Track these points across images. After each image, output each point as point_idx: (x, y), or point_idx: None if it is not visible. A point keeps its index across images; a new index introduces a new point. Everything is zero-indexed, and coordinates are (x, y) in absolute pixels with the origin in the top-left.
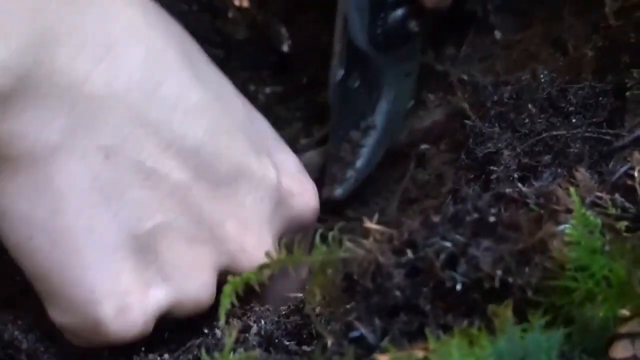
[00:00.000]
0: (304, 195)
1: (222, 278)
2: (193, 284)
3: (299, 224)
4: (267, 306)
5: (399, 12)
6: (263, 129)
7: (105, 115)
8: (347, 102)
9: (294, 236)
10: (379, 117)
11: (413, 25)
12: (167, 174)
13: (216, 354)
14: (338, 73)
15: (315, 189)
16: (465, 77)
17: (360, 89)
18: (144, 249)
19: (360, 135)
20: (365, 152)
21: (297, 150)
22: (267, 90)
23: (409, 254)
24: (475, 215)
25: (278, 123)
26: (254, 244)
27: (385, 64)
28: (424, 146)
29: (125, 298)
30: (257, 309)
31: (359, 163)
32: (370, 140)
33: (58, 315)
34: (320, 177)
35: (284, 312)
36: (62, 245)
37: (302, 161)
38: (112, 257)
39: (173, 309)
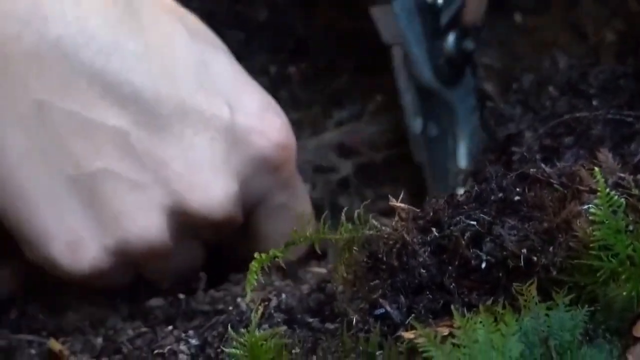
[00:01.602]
0: (265, 133)
1: (180, 218)
2: (138, 225)
3: (264, 162)
4: (287, 281)
5: (451, 36)
6: (221, 70)
7: (37, 70)
8: (431, 152)
9: (264, 176)
10: (462, 160)
11: (468, 43)
12: (104, 121)
13: (242, 330)
14: (416, 125)
15: (284, 125)
16: (488, 61)
17: (439, 137)
18: (87, 193)
19: (454, 182)
20: None
21: (316, 131)
22: (287, 72)
23: (434, 232)
24: (500, 195)
25: (298, 105)
26: (204, 183)
27: (455, 102)
28: None
29: (72, 237)
30: (277, 283)
31: None
32: (461, 183)
33: (26, 252)
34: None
35: (305, 291)
36: (9, 192)
37: (321, 142)
38: (55, 201)
39: (124, 249)
